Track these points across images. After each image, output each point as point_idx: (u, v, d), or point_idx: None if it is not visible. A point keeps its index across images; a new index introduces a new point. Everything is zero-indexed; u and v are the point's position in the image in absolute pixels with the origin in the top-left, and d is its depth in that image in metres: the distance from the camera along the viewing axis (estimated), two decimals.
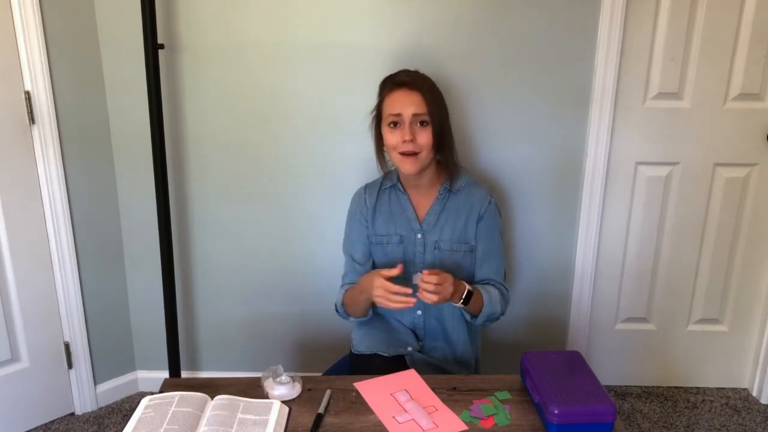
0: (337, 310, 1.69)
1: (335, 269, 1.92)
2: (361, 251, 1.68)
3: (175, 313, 2.02)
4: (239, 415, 1.16)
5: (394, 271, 1.43)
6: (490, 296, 1.57)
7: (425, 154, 1.53)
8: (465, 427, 1.17)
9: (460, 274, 1.61)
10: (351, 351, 1.71)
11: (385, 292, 1.42)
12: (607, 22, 1.89)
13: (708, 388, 2.31)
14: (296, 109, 2.00)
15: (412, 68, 1.63)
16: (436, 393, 1.27)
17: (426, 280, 1.40)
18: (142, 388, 2.30)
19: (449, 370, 1.64)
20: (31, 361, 2.02)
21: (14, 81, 1.82)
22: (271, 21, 1.92)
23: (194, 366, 2.29)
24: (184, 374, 2.21)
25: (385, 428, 1.17)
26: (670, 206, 2.12)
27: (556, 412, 1.11)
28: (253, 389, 1.27)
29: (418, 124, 1.52)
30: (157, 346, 2.16)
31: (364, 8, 1.90)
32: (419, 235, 1.63)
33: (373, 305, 1.56)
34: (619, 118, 2.01)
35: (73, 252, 2.02)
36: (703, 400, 2.25)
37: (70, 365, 2.11)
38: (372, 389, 1.29)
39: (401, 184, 1.66)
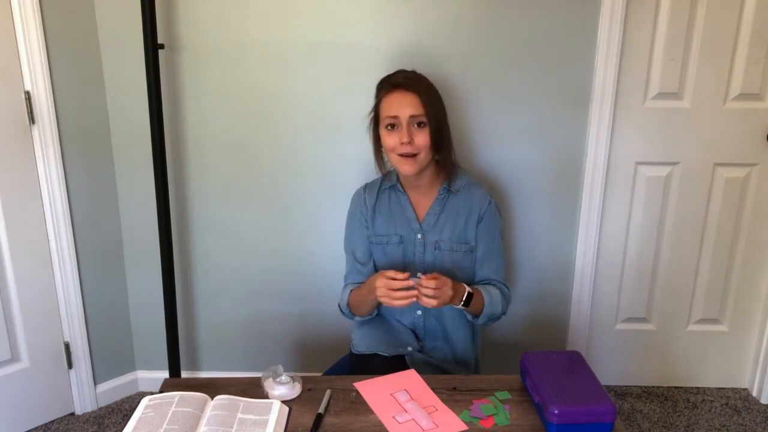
0: (341, 311, 1.69)
1: (335, 269, 1.93)
2: (362, 251, 1.68)
3: (175, 313, 2.02)
4: (239, 415, 1.16)
5: (400, 276, 1.42)
6: (491, 296, 1.57)
7: (423, 155, 1.53)
8: (465, 427, 1.17)
9: (460, 274, 1.61)
10: (351, 351, 1.71)
11: (387, 291, 1.42)
12: (607, 22, 1.89)
13: (708, 388, 2.31)
14: (296, 109, 2.00)
15: (411, 68, 1.63)
16: (436, 393, 1.27)
17: (425, 284, 1.40)
18: (142, 388, 2.30)
19: (449, 370, 1.64)
20: (31, 361, 2.02)
21: (14, 81, 1.82)
22: (271, 21, 1.92)
23: (194, 366, 2.29)
24: (184, 374, 2.21)
25: (385, 428, 1.17)
26: (670, 206, 2.12)
27: (556, 412, 1.11)
28: (253, 389, 1.27)
29: (416, 126, 1.52)
30: (157, 346, 2.16)
31: (364, 8, 1.90)
32: (419, 236, 1.63)
33: (379, 305, 1.56)
34: (619, 118, 2.01)
35: (73, 252, 2.02)
36: (703, 400, 2.25)
37: (70, 365, 2.11)
38: (372, 389, 1.29)
39: (401, 184, 1.66)
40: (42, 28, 1.82)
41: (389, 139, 1.54)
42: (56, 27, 1.86)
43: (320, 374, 1.69)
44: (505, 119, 2.00)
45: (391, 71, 1.62)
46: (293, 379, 1.27)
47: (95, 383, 2.18)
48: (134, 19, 1.79)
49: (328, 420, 1.19)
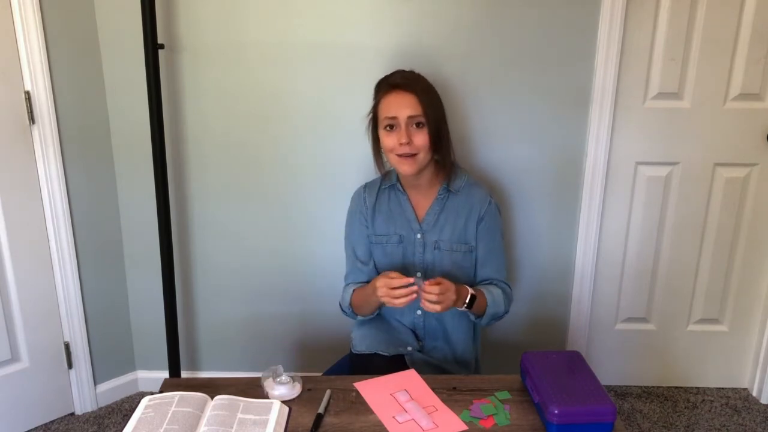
0: (343, 310, 1.69)
1: (335, 269, 1.93)
2: (362, 250, 1.68)
3: (175, 313, 2.02)
4: (239, 415, 1.16)
5: (404, 280, 1.42)
6: (493, 296, 1.58)
7: (423, 155, 1.53)
8: (465, 427, 1.17)
9: (460, 274, 1.62)
10: (351, 351, 1.71)
11: (387, 290, 1.42)
12: (607, 22, 1.89)
13: (708, 388, 2.31)
14: (296, 109, 2.00)
15: (411, 68, 1.63)
16: (436, 393, 1.27)
17: (428, 290, 1.40)
18: (142, 388, 2.30)
19: (449, 370, 1.64)
20: (31, 361, 2.02)
21: (14, 81, 1.82)
22: (271, 21, 1.92)
23: (194, 366, 2.29)
24: (184, 374, 2.21)
25: (385, 428, 1.17)
26: (670, 206, 2.12)
27: (556, 412, 1.11)
28: (253, 389, 1.27)
29: (414, 126, 1.52)
30: (157, 346, 2.16)
31: (364, 8, 1.90)
32: (419, 235, 1.63)
33: (382, 304, 1.56)
34: (619, 118, 2.01)
35: (73, 252, 2.02)
36: (703, 400, 2.25)
37: (70, 365, 2.11)
38: (372, 389, 1.29)
39: (400, 184, 1.66)
40: (42, 28, 1.82)
41: (388, 140, 1.55)
42: (56, 27, 1.86)
43: (320, 374, 1.69)
44: (505, 119, 1.99)
45: (391, 71, 1.62)
46: (293, 379, 1.27)
47: (95, 383, 2.18)
48: (134, 19, 1.79)
49: (328, 420, 1.19)
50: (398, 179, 1.66)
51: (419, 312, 1.65)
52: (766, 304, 2.21)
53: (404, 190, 1.65)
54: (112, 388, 2.22)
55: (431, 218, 1.63)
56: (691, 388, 2.31)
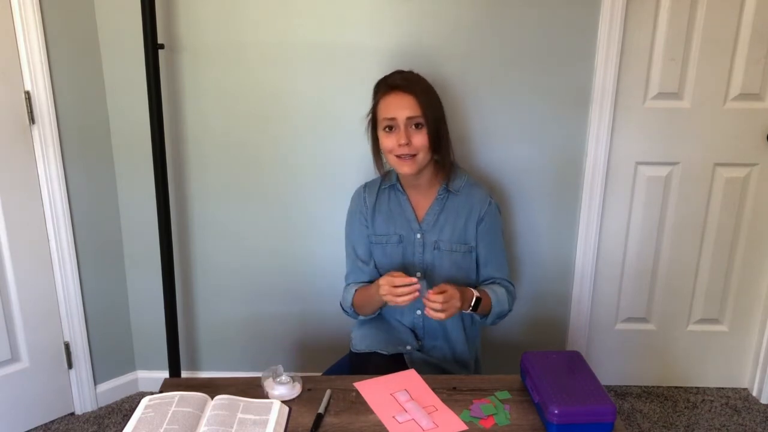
0: (344, 310, 1.69)
1: (335, 269, 1.93)
2: (363, 250, 1.68)
3: (175, 313, 2.02)
4: (239, 415, 1.16)
5: (407, 279, 1.42)
6: (497, 296, 1.59)
7: (422, 156, 1.54)
8: (465, 427, 1.17)
9: (460, 274, 1.62)
10: (350, 350, 1.71)
11: (390, 289, 1.42)
12: (607, 22, 1.89)
13: (708, 388, 2.31)
14: (296, 109, 2.00)
15: (412, 69, 1.63)
16: (436, 393, 1.27)
17: (432, 299, 1.40)
18: (142, 388, 2.30)
19: (449, 370, 1.65)
20: (31, 361, 2.02)
21: (14, 81, 1.82)
22: (271, 21, 1.92)
23: (194, 366, 2.29)
24: (184, 374, 2.21)
25: (385, 428, 1.17)
26: (670, 206, 2.12)
27: (556, 412, 1.11)
28: (253, 389, 1.27)
29: (413, 127, 1.52)
30: (157, 346, 2.16)
31: (364, 8, 1.90)
32: (418, 235, 1.63)
33: (385, 304, 1.56)
34: (619, 118, 2.01)
35: (73, 252, 2.02)
36: (703, 400, 2.25)
37: (70, 365, 2.11)
38: (372, 389, 1.29)
39: (400, 184, 1.66)
40: (42, 28, 1.82)
41: (387, 141, 1.55)
42: (56, 27, 1.86)
43: (320, 374, 1.69)
44: (505, 119, 1.99)
45: (391, 71, 1.62)
46: (293, 379, 1.27)
47: (95, 383, 2.18)
48: (134, 19, 1.79)
49: (328, 420, 1.19)
50: (398, 179, 1.66)
51: (419, 312, 1.65)
52: (766, 304, 2.21)
53: (404, 190, 1.65)
54: (112, 388, 2.22)
55: (431, 218, 1.63)
56: (691, 388, 2.31)
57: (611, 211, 2.12)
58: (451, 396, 1.26)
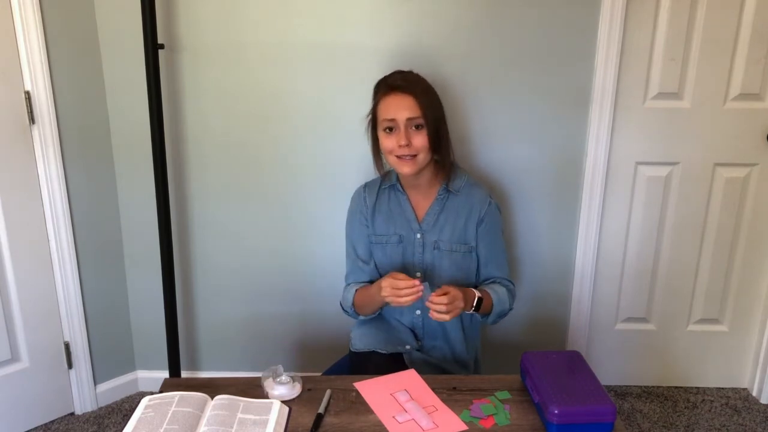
0: (344, 310, 1.69)
1: (335, 269, 1.93)
2: (363, 249, 1.68)
3: (175, 313, 2.02)
4: (239, 415, 1.16)
5: (410, 281, 1.42)
6: (498, 295, 1.60)
7: (422, 156, 1.54)
8: (465, 427, 1.17)
9: (460, 274, 1.62)
10: (350, 350, 1.71)
11: (393, 290, 1.42)
12: (607, 22, 1.89)
13: (708, 388, 2.31)
14: (296, 109, 2.00)
15: (412, 68, 1.63)
16: (436, 393, 1.27)
17: (436, 301, 1.40)
18: (142, 388, 2.30)
19: (448, 370, 1.65)
20: (31, 361, 2.02)
21: (14, 81, 1.82)
22: (271, 21, 1.92)
23: (194, 366, 2.29)
24: (184, 374, 2.21)
25: (385, 428, 1.17)
26: (670, 206, 2.12)
27: (556, 412, 1.11)
28: (253, 389, 1.27)
29: (413, 128, 1.52)
30: (157, 346, 2.16)
31: (364, 8, 1.90)
32: (418, 235, 1.63)
33: (386, 304, 1.56)
34: (619, 118, 2.01)
35: (73, 252, 2.02)
36: (703, 400, 2.25)
37: (70, 365, 2.11)
38: (372, 389, 1.29)
39: (400, 184, 1.66)
40: (42, 28, 1.82)
41: (387, 142, 1.55)
42: (56, 27, 1.86)
43: (320, 374, 1.69)
44: (505, 119, 1.99)
45: (390, 71, 1.62)
46: (293, 379, 1.27)
47: (95, 383, 2.18)
48: (134, 19, 1.79)
49: (328, 420, 1.19)
50: (398, 179, 1.66)
51: (418, 312, 1.65)
52: (766, 304, 2.21)
53: (404, 190, 1.66)
54: (112, 388, 2.22)
55: (431, 218, 1.63)
56: (691, 388, 2.31)
57: (611, 211, 2.12)
58: (451, 396, 1.26)
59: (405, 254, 1.64)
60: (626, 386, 2.32)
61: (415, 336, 1.67)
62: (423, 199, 1.64)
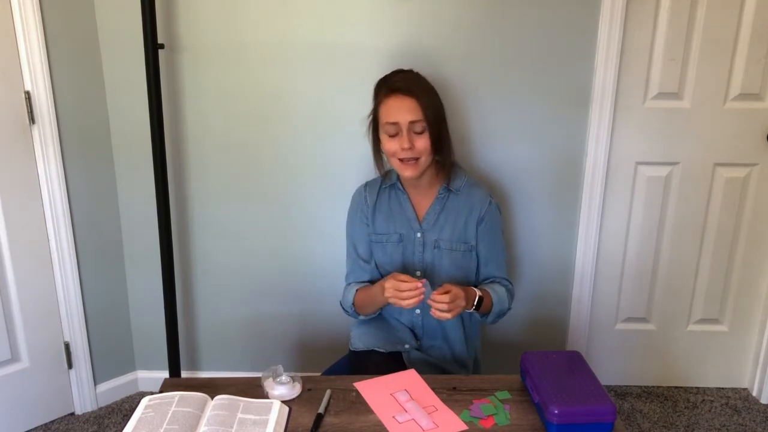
0: (345, 309, 1.69)
1: (335, 269, 1.93)
2: (364, 248, 1.68)
3: (175, 313, 2.02)
4: (239, 415, 1.16)
5: (412, 283, 1.42)
6: (498, 295, 1.60)
7: (424, 159, 1.54)
8: (465, 427, 1.17)
9: (459, 273, 1.62)
10: (349, 349, 1.71)
11: (396, 292, 1.43)
12: (607, 22, 1.89)
13: (708, 388, 2.31)
14: (296, 109, 2.00)
15: (412, 68, 1.63)
16: (436, 393, 1.27)
17: (438, 300, 1.40)
18: (142, 388, 2.30)
19: (448, 370, 1.65)
20: (31, 361, 2.02)
21: (14, 81, 1.82)
22: (271, 21, 1.92)
23: (194, 366, 2.29)
24: (184, 374, 2.21)
25: (385, 428, 1.17)
26: (670, 206, 2.12)
27: (556, 412, 1.11)
28: (253, 389, 1.27)
29: (416, 131, 1.52)
30: (157, 346, 2.16)
31: (364, 8, 1.90)
32: (418, 234, 1.63)
33: (386, 304, 1.56)
34: (619, 118, 2.01)
35: (73, 252, 2.02)
36: (703, 400, 2.25)
37: (70, 365, 2.11)
38: (372, 389, 1.29)
39: (401, 183, 1.66)
40: (42, 28, 1.82)
41: (390, 145, 1.55)
42: (56, 27, 1.86)
43: (320, 374, 1.69)
44: (505, 119, 1.99)
45: (390, 71, 1.62)
46: (293, 379, 1.27)
47: (95, 383, 2.18)
48: (134, 19, 1.79)
49: (328, 420, 1.19)
50: (398, 178, 1.66)
51: (418, 311, 1.65)
52: (766, 304, 2.21)
53: (404, 190, 1.66)
54: (112, 388, 2.22)
55: (431, 217, 1.63)
56: (691, 388, 2.31)
57: (611, 211, 2.12)
58: (451, 396, 1.26)
59: (405, 253, 1.64)
60: (626, 386, 2.32)
61: (415, 335, 1.67)
62: (423, 199, 1.65)
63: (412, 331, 1.67)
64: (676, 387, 2.32)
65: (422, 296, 1.41)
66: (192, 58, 1.96)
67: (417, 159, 1.53)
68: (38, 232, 1.96)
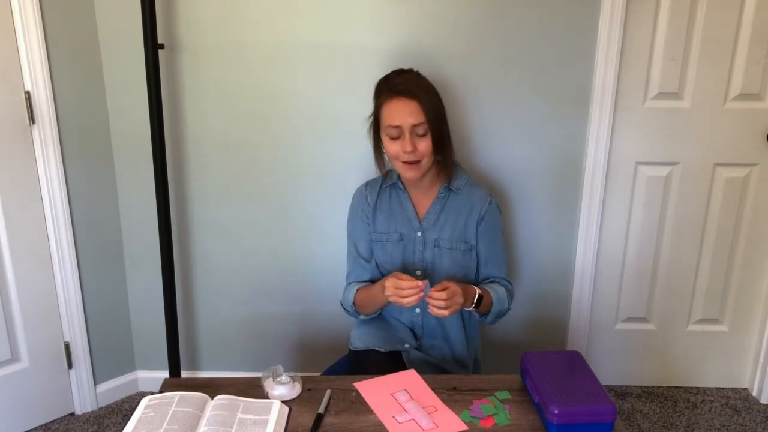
0: (345, 309, 1.69)
1: (335, 269, 1.93)
2: (364, 248, 1.68)
3: (175, 313, 2.02)
4: (239, 415, 1.16)
5: (413, 282, 1.43)
6: (497, 294, 1.60)
7: (426, 160, 1.54)
8: (465, 427, 1.17)
9: (459, 272, 1.62)
10: (349, 349, 1.72)
11: (396, 290, 1.43)
12: (607, 22, 1.89)
13: (708, 388, 2.31)
14: (296, 109, 2.00)
15: (410, 68, 1.63)
16: (436, 393, 1.27)
17: (436, 296, 1.40)
18: (142, 388, 2.30)
19: (447, 369, 1.65)
20: (31, 361, 2.02)
21: (14, 81, 1.82)
22: (271, 21, 1.92)
23: (194, 366, 2.29)
24: (184, 374, 2.21)
25: (385, 428, 1.17)
26: (670, 206, 2.12)
27: (556, 412, 1.11)
28: (253, 389, 1.27)
29: (418, 133, 1.52)
30: (157, 346, 2.16)
31: (364, 8, 1.90)
32: (419, 233, 1.63)
33: (387, 303, 1.56)
34: (619, 118, 2.01)
35: (73, 252, 2.02)
36: (703, 400, 2.25)
37: (70, 365, 2.11)
38: (372, 389, 1.29)
39: (401, 182, 1.66)
40: (42, 28, 1.82)
41: (392, 147, 1.55)
42: (56, 27, 1.86)
43: (320, 374, 1.69)
44: (505, 119, 2.00)
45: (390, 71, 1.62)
46: (293, 379, 1.27)
47: (95, 383, 2.18)
48: (134, 19, 1.79)
49: (328, 420, 1.19)
50: (399, 178, 1.66)
51: (417, 311, 1.65)
52: (766, 304, 2.21)
53: (405, 189, 1.66)
54: (112, 388, 2.22)
55: (432, 217, 1.63)
56: (691, 388, 2.31)
57: (611, 211, 2.12)
58: (451, 396, 1.26)
59: (405, 252, 1.64)
60: (626, 386, 2.32)
61: (415, 335, 1.67)
62: (424, 198, 1.65)
63: (411, 330, 1.67)
64: (676, 387, 2.32)
65: (422, 294, 1.41)
66: (192, 58, 1.96)
67: (419, 161, 1.53)
68: (38, 232, 1.96)
